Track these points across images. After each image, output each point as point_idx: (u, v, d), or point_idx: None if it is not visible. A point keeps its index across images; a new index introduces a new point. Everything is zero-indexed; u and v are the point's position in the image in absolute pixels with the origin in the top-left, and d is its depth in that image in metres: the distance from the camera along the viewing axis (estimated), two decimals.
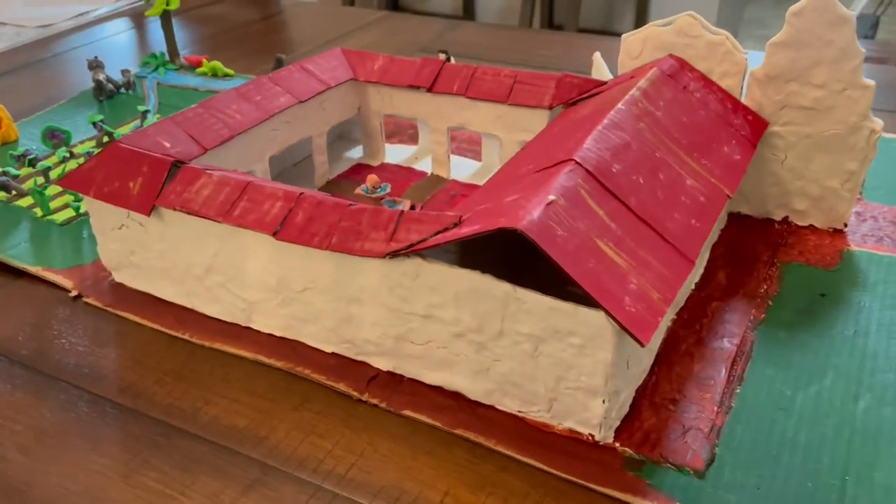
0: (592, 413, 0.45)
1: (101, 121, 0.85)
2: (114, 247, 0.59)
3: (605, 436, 0.45)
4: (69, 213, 0.70)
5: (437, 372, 0.49)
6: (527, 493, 0.43)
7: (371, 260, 0.47)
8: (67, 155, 0.78)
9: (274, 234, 0.49)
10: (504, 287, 0.43)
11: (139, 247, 0.57)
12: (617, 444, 0.45)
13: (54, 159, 0.78)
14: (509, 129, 0.70)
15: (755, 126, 0.61)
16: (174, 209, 0.53)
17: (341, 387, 0.51)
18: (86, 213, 0.70)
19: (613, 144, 0.50)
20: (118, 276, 0.61)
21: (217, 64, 1.02)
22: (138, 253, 0.58)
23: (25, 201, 0.72)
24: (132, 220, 0.57)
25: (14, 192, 0.74)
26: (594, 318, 0.41)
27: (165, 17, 1.03)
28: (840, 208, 0.64)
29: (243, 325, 0.56)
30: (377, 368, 0.52)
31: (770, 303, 0.57)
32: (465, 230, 0.43)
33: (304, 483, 0.44)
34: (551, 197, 0.43)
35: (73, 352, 0.55)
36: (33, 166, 0.75)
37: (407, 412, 0.48)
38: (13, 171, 0.75)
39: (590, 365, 0.43)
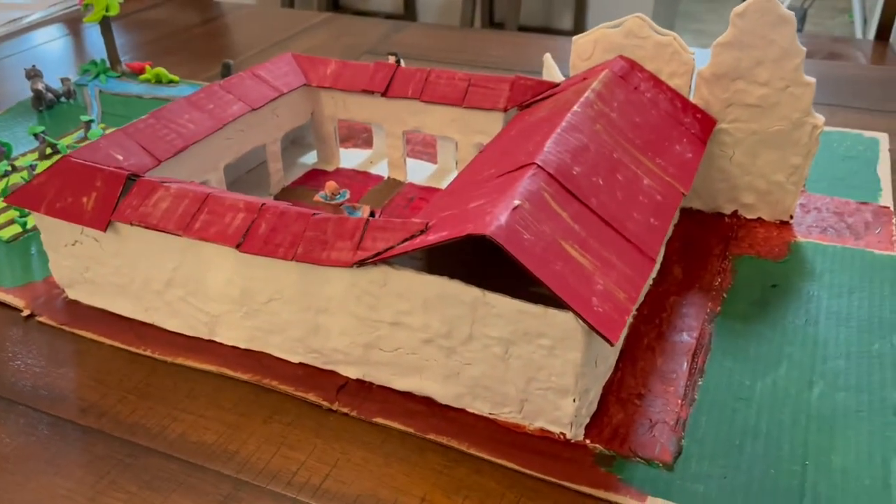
0: (563, 412, 0.45)
1: (43, 132, 0.83)
2: (67, 263, 0.57)
3: (575, 434, 0.46)
4: (15, 229, 0.68)
5: (406, 378, 0.50)
6: (502, 494, 0.44)
7: (337, 269, 0.47)
8: (9, 168, 0.76)
9: (237, 247, 0.49)
10: (473, 292, 0.44)
11: (94, 263, 0.56)
12: (587, 441, 0.46)
13: None
14: (465, 131, 0.70)
15: (704, 124, 0.63)
16: (131, 224, 0.52)
17: (311, 397, 0.50)
18: (33, 229, 0.68)
19: (572, 147, 0.51)
20: (72, 294, 0.59)
21: (161, 70, 1.00)
22: (93, 269, 0.56)
23: None
24: (86, 237, 0.55)
25: None
26: (563, 320, 0.42)
27: (105, 23, 1.00)
28: (786, 201, 0.66)
29: (206, 338, 0.55)
30: (346, 377, 0.52)
31: (725, 295, 0.58)
32: (433, 237, 0.43)
33: (279, 496, 0.44)
34: (516, 202, 0.43)
35: (29, 373, 0.53)
36: None
37: (378, 419, 0.49)
38: None
39: (560, 365, 0.44)
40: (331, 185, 0.63)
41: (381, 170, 0.77)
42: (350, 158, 0.79)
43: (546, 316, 0.42)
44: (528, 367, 0.45)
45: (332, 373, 0.52)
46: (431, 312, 0.46)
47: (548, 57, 0.77)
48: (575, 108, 0.55)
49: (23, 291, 0.61)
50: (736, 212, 0.68)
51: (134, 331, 0.56)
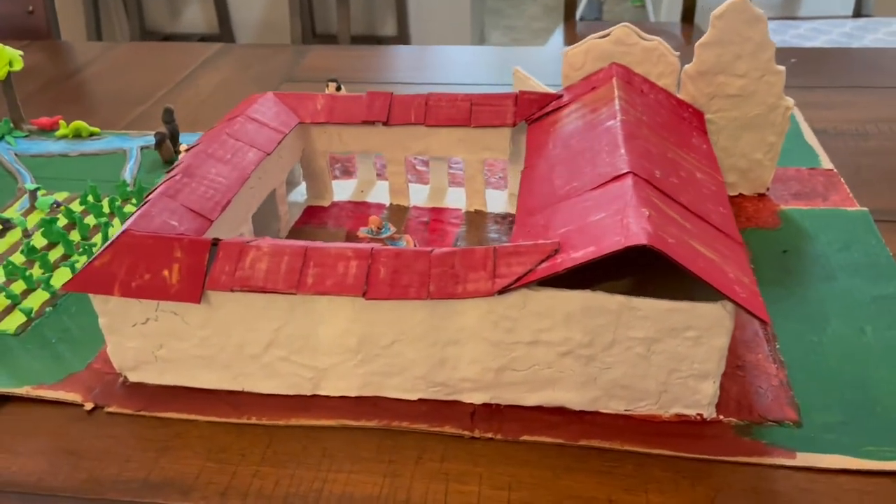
0: (702, 395, 0.50)
1: None
2: (133, 345, 0.53)
3: (710, 413, 0.51)
4: (18, 317, 0.62)
5: (538, 393, 0.52)
6: (676, 480, 0.47)
7: (473, 300, 0.48)
8: None
9: (363, 295, 0.48)
10: (618, 299, 0.47)
11: (171, 339, 0.53)
12: (721, 417, 0.51)
13: None
14: (472, 149, 0.72)
15: (698, 117, 0.70)
16: (231, 290, 0.49)
17: (448, 429, 0.51)
18: (39, 315, 0.62)
19: (643, 153, 0.55)
20: (135, 376, 0.55)
21: (81, 124, 0.93)
22: (169, 345, 0.53)
23: None
24: (162, 312, 0.52)
25: None
26: (711, 311, 0.46)
27: (7, 80, 0.91)
28: (764, 176, 0.75)
29: (309, 394, 0.54)
30: (472, 403, 0.53)
31: (753, 266, 0.65)
32: (580, 254, 0.46)
33: None
34: (645, 210, 0.47)
35: (133, 469, 0.49)
36: None
37: (525, 437, 0.50)
38: None
39: (704, 353, 0.48)
40: (374, 220, 0.64)
41: (376, 197, 0.78)
42: (337, 191, 0.78)
43: (694, 310, 0.46)
44: (671, 360, 0.48)
45: (456, 402, 0.53)
46: (573, 326, 0.48)
47: (518, 70, 0.81)
48: (619, 116, 0.59)
49: (71, 384, 0.55)
50: None
51: (223, 401, 0.54)
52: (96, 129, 0.93)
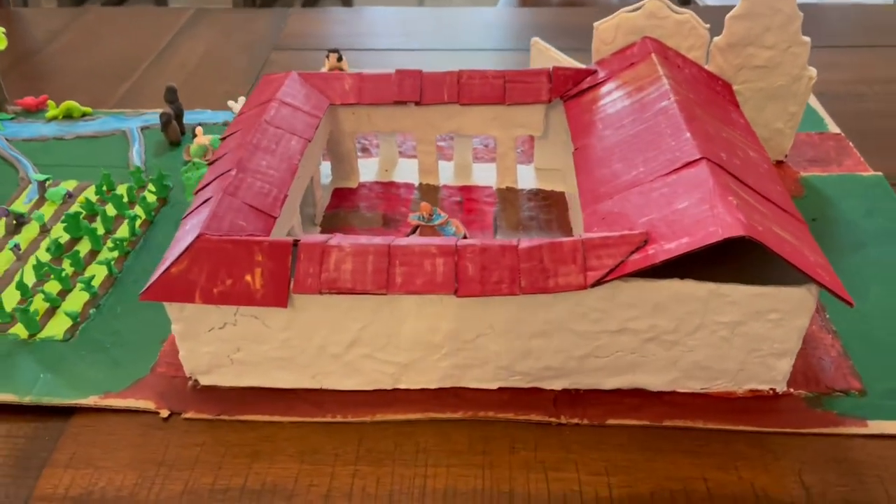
0: (778, 371, 0.52)
1: None
2: (209, 349, 0.52)
3: (782, 387, 0.53)
4: (63, 322, 0.59)
5: (617, 377, 0.53)
6: (762, 456, 0.49)
7: (563, 293, 0.49)
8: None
9: (455, 293, 0.48)
10: (708, 287, 0.48)
11: (250, 342, 0.52)
12: (791, 390, 0.53)
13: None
14: (505, 127, 0.72)
15: (727, 89, 0.71)
16: (320, 293, 0.49)
17: (534, 417, 0.52)
18: (84, 318, 0.60)
19: (706, 135, 0.56)
20: (207, 380, 0.54)
21: (72, 104, 0.88)
22: (247, 348, 0.52)
23: None
24: (241, 316, 0.51)
25: None
26: (797, 294, 0.48)
27: None
28: (784, 144, 0.77)
29: (389, 388, 0.54)
30: (552, 390, 0.54)
31: None
32: (674, 246, 0.47)
33: None
34: (732, 199, 0.48)
35: (230, 476, 0.48)
36: None
37: (611, 421, 0.52)
38: None
39: (784, 333, 0.50)
40: (426, 206, 0.63)
41: (402, 176, 0.77)
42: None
43: (779, 294, 0.48)
44: (752, 341, 0.50)
45: (536, 389, 0.54)
46: (661, 314, 0.49)
47: (537, 41, 0.80)
48: (672, 96, 0.60)
49: (139, 391, 0.54)
50: None
51: (304, 400, 0.53)
52: (88, 109, 0.89)
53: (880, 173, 0.76)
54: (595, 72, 0.70)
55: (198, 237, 0.50)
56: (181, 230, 0.53)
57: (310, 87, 0.71)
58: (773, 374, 0.52)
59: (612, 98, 0.65)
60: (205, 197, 0.55)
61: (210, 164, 0.62)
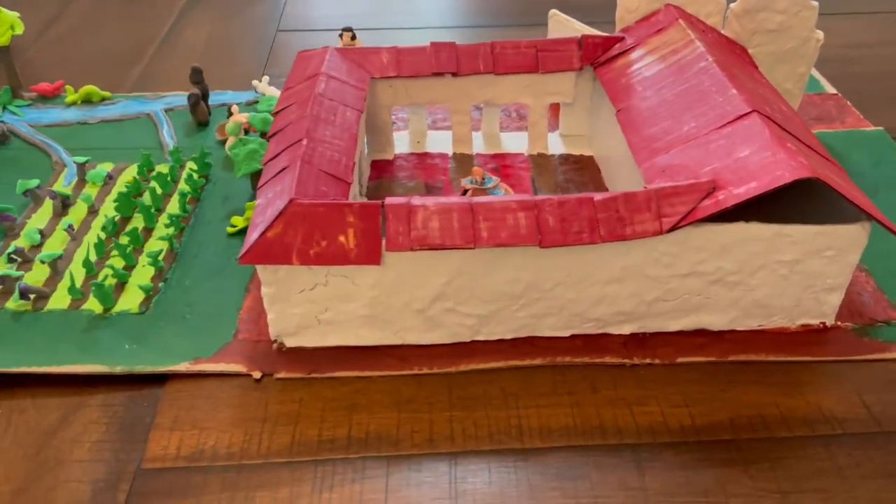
0: (829, 305, 0.56)
1: (38, 186, 0.71)
2: (297, 311, 0.54)
3: (831, 320, 0.57)
4: (136, 295, 0.60)
5: (682, 319, 0.57)
6: (822, 383, 0.54)
7: (638, 240, 0.52)
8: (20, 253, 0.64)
9: (539, 244, 0.51)
10: (773, 228, 0.52)
11: (338, 302, 0.54)
12: (839, 323, 0.58)
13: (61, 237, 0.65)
14: (537, 94, 0.75)
15: (745, 52, 0.75)
16: (412, 250, 0.51)
17: (608, 360, 0.55)
18: (156, 291, 0.61)
19: (750, 91, 0.60)
20: (293, 341, 0.56)
21: (92, 88, 0.88)
22: (335, 308, 0.54)
23: (59, 303, 0.60)
24: (332, 276, 0.53)
25: (34, 296, 0.60)
26: (853, 231, 0.52)
27: (5, 46, 0.85)
28: (793, 103, 0.81)
29: (468, 340, 0.57)
30: (620, 334, 0.57)
31: None
32: (743, 191, 0.50)
33: (687, 445, 0.49)
34: (790, 145, 0.52)
35: (333, 427, 0.51)
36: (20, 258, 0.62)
37: (681, 359, 0.55)
38: (12, 272, 0.61)
39: (838, 269, 0.54)
40: (478, 171, 0.66)
41: (435, 147, 0.79)
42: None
43: (836, 232, 0.52)
44: (808, 277, 0.54)
45: (606, 335, 0.57)
46: (727, 256, 0.53)
47: (556, 13, 0.83)
48: (709, 57, 0.63)
49: (228, 356, 0.56)
50: None
51: (388, 355, 0.56)
52: (107, 94, 0.89)
53: (881, 128, 0.81)
54: (622, 38, 0.73)
55: (290, 202, 0.51)
56: (262, 198, 0.55)
57: (349, 61, 0.73)
58: (824, 309, 0.57)
59: (646, 62, 0.69)
60: (279, 166, 0.57)
61: (269, 137, 0.63)
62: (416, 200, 0.53)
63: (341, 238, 0.51)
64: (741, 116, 0.56)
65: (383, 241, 0.51)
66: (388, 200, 0.53)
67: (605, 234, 0.52)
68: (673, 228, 0.51)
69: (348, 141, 0.61)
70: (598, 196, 0.53)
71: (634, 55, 0.71)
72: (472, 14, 1.14)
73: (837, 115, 0.84)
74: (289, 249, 0.51)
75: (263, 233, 0.51)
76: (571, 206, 0.52)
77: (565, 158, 0.78)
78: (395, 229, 0.51)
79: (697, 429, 0.51)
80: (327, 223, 0.51)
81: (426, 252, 0.52)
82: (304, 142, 0.58)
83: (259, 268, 0.52)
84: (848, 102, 0.87)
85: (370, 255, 0.51)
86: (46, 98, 0.89)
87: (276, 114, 0.66)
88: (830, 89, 0.89)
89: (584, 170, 0.76)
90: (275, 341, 0.56)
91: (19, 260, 0.63)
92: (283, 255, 0.51)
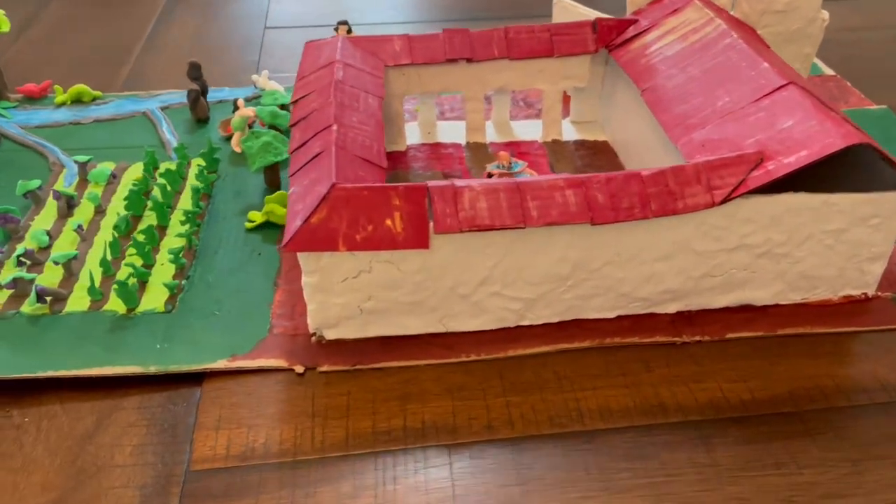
0: (871, 276, 0.56)
1: (39, 187, 0.68)
2: (340, 301, 0.52)
3: (873, 291, 0.57)
4: (160, 294, 0.58)
5: (728, 294, 0.56)
6: (870, 353, 0.53)
7: (687, 214, 0.51)
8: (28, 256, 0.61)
9: (591, 221, 0.50)
10: (820, 197, 0.52)
11: (382, 289, 0.52)
12: (879, 293, 0.58)
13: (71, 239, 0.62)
14: (551, 79, 0.74)
15: (755, 33, 0.76)
16: (460, 232, 0.49)
17: (658, 339, 0.54)
18: (181, 289, 0.58)
19: (779, 66, 0.60)
20: (333, 333, 0.54)
21: (83, 88, 0.84)
22: (378, 296, 0.52)
23: (78, 304, 0.57)
24: (378, 262, 0.51)
25: (50, 298, 0.57)
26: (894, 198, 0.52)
27: None
28: None
29: (513, 325, 0.55)
30: (666, 313, 0.56)
31: None
32: (794, 160, 0.50)
33: (755, 419, 0.49)
34: (835, 113, 0.52)
35: (387, 419, 0.49)
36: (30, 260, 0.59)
37: (730, 335, 0.55)
38: (24, 274, 0.58)
39: (881, 237, 0.54)
40: (504, 155, 0.65)
41: (447, 137, 0.78)
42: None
43: (882, 199, 0.52)
44: (853, 247, 0.54)
45: (652, 315, 0.56)
46: (776, 226, 0.53)
47: None
48: (732, 34, 0.63)
49: (266, 351, 0.53)
50: None
51: (432, 344, 0.54)
52: (98, 93, 0.85)
53: (885, 106, 0.82)
54: (636, 21, 0.73)
55: (332, 186, 0.49)
56: (296, 186, 0.53)
57: (361, 49, 0.71)
58: (867, 279, 0.57)
59: (666, 41, 0.68)
60: (311, 153, 0.55)
61: (292, 125, 0.61)
62: (460, 182, 0.51)
63: (388, 222, 0.49)
64: (778, 88, 0.56)
65: (431, 225, 0.49)
66: (431, 183, 0.51)
67: (656, 208, 0.51)
68: (725, 200, 0.51)
69: (375, 127, 0.60)
70: (645, 171, 0.52)
71: (651, 36, 0.70)
72: (459, 8, 1.13)
73: (840, 95, 0.85)
74: (334, 235, 0.49)
75: (307, 219, 0.49)
76: (619, 182, 0.51)
77: (581, 144, 0.77)
78: (443, 211, 0.50)
79: (758, 402, 0.50)
80: (372, 207, 0.49)
81: (473, 234, 0.50)
82: (335, 127, 0.56)
83: (301, 256, 0.50)
84: (848, 83, 0.88)
85: (418, 239, 0.49)
86: (34, 99, 0.85)
87: (294, 103, 0.64)
88: (828, 71, 0.90)
89: (599, 154, 0.75)
90: (314, 334, 0.54)
91: (29, 262, 0.60)
92: (328, 242, 0.49)
